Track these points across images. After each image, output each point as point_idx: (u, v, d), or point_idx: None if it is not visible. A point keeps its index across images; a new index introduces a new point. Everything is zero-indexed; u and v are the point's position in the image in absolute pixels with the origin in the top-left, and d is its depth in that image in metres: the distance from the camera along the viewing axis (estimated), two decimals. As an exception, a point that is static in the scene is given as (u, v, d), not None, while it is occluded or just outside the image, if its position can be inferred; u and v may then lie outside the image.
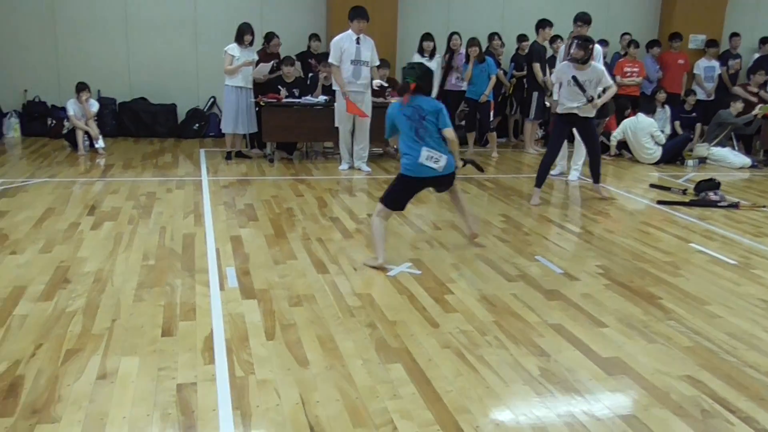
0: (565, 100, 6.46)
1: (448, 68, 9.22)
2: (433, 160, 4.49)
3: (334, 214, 5.88)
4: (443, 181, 4.72)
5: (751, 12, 11.90)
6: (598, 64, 6.49)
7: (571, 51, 6.33)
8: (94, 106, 8.75)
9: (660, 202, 6.69)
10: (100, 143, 8.56)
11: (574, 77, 6.29)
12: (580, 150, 7.62)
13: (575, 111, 6.44)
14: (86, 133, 8.56)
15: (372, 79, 7.92)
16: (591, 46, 6.30)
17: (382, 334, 3.41)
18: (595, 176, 6.79)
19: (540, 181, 6.60)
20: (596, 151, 6.74)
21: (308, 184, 7.10)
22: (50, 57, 9.85)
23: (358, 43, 7.56)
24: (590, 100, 6.31)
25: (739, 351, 3.39)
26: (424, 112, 4.47)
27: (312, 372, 2.97)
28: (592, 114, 6.53)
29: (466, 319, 3.66)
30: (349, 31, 7.58)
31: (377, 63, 7.89)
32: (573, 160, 7.83)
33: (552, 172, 7.97)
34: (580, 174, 7.76)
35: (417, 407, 2.72)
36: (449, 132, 4.51)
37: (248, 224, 5.43)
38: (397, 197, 4.65)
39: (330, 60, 7.62)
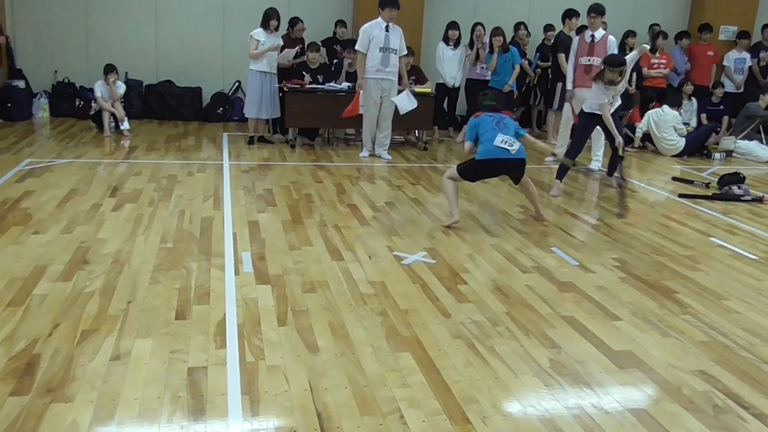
0: (594, 101, 6.37)
1: (475, 59, 9.15)
2: (507, 143, 5.06)
3: (353, 201, 5.89)
4: (516, 165, 5.17)
5: (786, 2, 11.63)
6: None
7: (605, 74, 6.13)
8: (121, 88, 8.85)
9: (681, 195, 6.60)
10: (125, 125, 8.66)
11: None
12: (600, 140, 7.56)
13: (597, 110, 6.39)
14: (112, 114, 8.66)
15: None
16: (623, 70, 6.15)
17: (394, 323, 3.43)
18: (612, 170, 6.73)
19: (561, 174, 6.54)
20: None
21: (328, 170, 7.12)
22: (80, 39, 9.97)
23: (387, 30, 7.53)
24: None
25: (756, 347, 3.36)
26: (505, 119, 5.25)
27: (322, 359, 2.99)
28: (617, 106, 6.50)
29: (479, 309, 3.66)
30: (379, 19, 7.56)
31: (405, 52, 7.85)
32: (592, 151, 7.76)
33: (547, 159, 8.11)
34: (602, 164, 7.68)
35: (425, 396, 2.73)
36: (529, 138, 5.39)
37: (266, 209, 5.47)
38: (473, 173, 5.32)
39: (357, 47, 7.61)
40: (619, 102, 6.55)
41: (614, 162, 6.58)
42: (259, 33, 7.91)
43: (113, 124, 8.69)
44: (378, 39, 7.49)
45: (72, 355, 2.90)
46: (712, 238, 5.24)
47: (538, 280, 4.15)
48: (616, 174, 6.57)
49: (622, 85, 6.37)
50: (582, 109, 6.55)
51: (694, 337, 3.44)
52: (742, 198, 6.50)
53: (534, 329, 3.43)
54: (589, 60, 7.58)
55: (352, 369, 2.92)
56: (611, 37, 7.61)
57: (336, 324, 3.37)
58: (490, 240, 4.94)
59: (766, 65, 10.88)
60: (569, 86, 7.81)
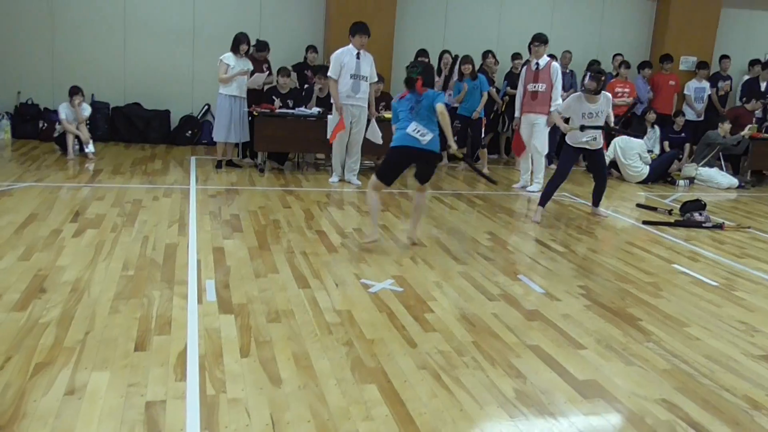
0: (573, 137, 6.51)
1: (444, 87, 9.25)
2: (419, 133, 4.95)
3: (321, 227, 5.86)
4: (426, 159, 5.06)
5: (742, 34, 12.00)
6: (608, 93, 6.54)
7: (585, 82, 6.40)
8: (86, 111, 8.73)
9: (645, 222, 6.70)
10: (90, 148, 8.53)
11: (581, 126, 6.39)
12: (540, 163, 7.96)
13: (585, 146, 6.54)
14: (77, 137, 8.53)
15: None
16: (604, 78, 6.36)
17: (359, 353, 3.39)
18: (597, 201, 6.95)
19: (544, 200, 6.63)
20: (603, 181, 6.86)
21: (297, 195, 7.09)
22: (46, 59, 9.84)
23: (358, 57, 7.59)
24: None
25: (716, 374, 3.39)
26: (422, 98, 5.01)
27: (285, 391, 2.94)
28: (600, 145, 6.64)
29: (445, 339, 3.64)
30: (350, 46, 7.62)
31: (375, 79, 7.91)
32: (534, 174, 8.07)
33: (515, 186, 8.21)
34: (542, 186, 7.78)
35: (389, 429, 2.70)
36: (440, 106, 4.93)
37: (233, 235, 5.41)
38: (385, 169, 5.20)
39: (329, 74, 7.64)
40: (601, 142, 6.65)
41: (599, 195, 6.84)
42: (229, 57, 7.90)
43: (78, 146, 8.56)
44: (349, 66, 7.54)
45: (24, 389, 2.80)
46: (674, 265, 5.31)
47: (505, 309, 4.15)
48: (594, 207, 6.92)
49: (599, 111, 6.38)
50: (566, 142, 6.66)
51: (657, 365, 3.46)
52: (704, 225, 6.63)
53: (500, 359, 3.42)
54: (534, 86, 7.88)
55: (316, 402, 2.87)
56: (555, 64, 7.97)
57: (300, 355, 3.32)
58: (457, 267, 4.95)
59: (725, 94, 11.20)
60: (517, 113, 8.13)
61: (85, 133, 8.56)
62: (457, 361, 3.36)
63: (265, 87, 8.55)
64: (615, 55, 10.80)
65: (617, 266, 5.20)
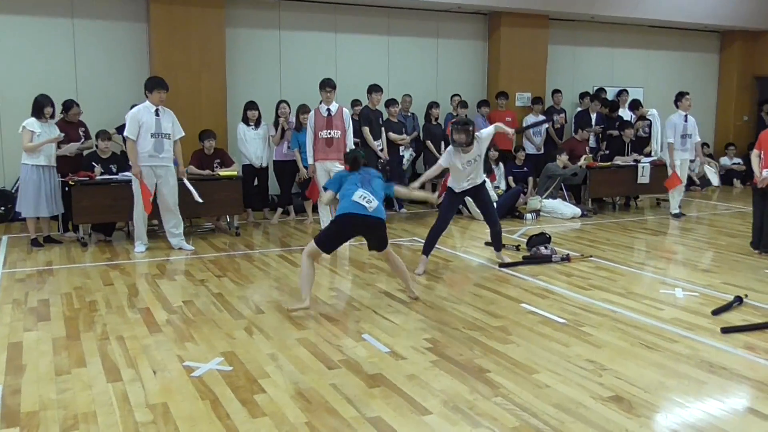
0: (456, 182, 6.26)
1: (280, 138, 8.83)
2: (365, 200, 4.87)
3: (145, 303, 5.22)
4: (372, 224, 4.93)
5: (569, 70, 12.68)
6: (479, 133, 6.22)
7: (453, 137, 6.06)
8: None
9: (502, 266, 6.47)
10: None
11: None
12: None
13: (468, 186, 6.28)
14: None
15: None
16: (471, 129, 6.06)
17: (167, 459, 2.85)
18: (498, 245, 6.61)
19: (428, 248, 6.29)
20: (495, 219, 6.50)
21: (123, 269, 6.37)
22: None
23: (157, 115, 6.93)
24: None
25: (566, 425, 3.17)
26: (371, 176, 5.12)
27: None
28: (482, 179, 6.39)
29: (275, 424, 3.18)
30: (147, 103, 6.94)
31: (181, 135, 7.19)
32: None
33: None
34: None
35: None
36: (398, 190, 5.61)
37: (36, 326, 4.66)
38: (327, 237, 5.01)
39: (126, 134, 6.90)
40: (483, 178, 6.40)
41: (497, 237, 6.56)
42: (32, 123, 7.08)
43: None
44: (148, 124, 6.87)
45: None
46: (523, 304, 5.17)
47: (345, 377, 3.76)
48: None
49: (477, 156, 6.14)
50: (448, 186, 6.41)
51: (506, 423, 3.19)
52: (552, 258, 6.63)
53: (335, 441, 3.01)
54: (329, 133, 7.68)
55: None
56: (345, 110, 7.90)
57: (90, 474, 2.73)
58: (296, 334, 4.51)
59: (561, 127, 11.71)
60: (310, 160, 7.87)
61: None
62: (284, 453, 2.91)
63: (85, 152, 7.78)
64: (453, 96, 10.98)
65: (466, 312, 4.98)
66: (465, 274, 6.27)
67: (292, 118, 8.90)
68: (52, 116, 7.29)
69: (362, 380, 3.70)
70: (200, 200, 7.30)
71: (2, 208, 9.06)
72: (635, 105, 11.75)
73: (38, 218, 7.32)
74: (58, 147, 7.44)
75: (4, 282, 5.88)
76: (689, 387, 3.64)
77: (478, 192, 6.41)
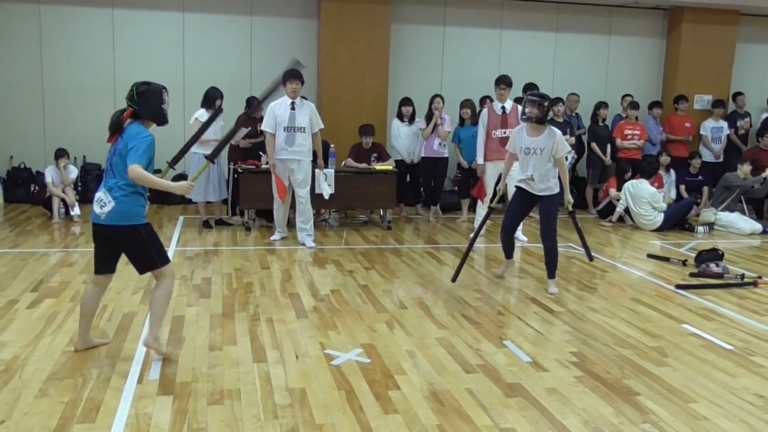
0: (516, 170, 5.73)
1: (431, 132, 8.75)
2: (100, 203, 3.65)
3: (296, 289, 5.43)
4: (113, 236, 3.69)
5: (760, 70, 11.51)
6: (555, 130, 5.39)
7: (526, 110, 5.35)
8: (72, 173, 8.51)
9: (679, 287, 5.73)
10: (75, 211, 8.28)
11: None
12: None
13: (526, 187, 5.50)
14: (62, 200, 8.29)
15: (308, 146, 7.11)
16: (547, 103, 5.30)
17: (298, 445, 2.91)
18: (551, 271, 5.58)
19: (508, 251, 5.84)
20: (547, 233, 5.51)
21: (279, 254, 6.69)
22: (37, 123, 9.71)
23: (293, 108, 6.97)
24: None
25: (725, 466, 2.84)
26: (119, 144, 3.66)
27: (194, 499, 2.48)
28: (548, 193, 5.46)
29: (406, 423, 3.15)
30: (285, 96, 6.98)
31: (320, 127, 7.15)
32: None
33: None
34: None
35: None
36: (132, 170, 3.60)
37: (198, 302, 5.00)
38: (94, 255, 3.87)
39: (263, 127, 7.06)
40: (552, 191, 5.49)
41: (551, 263, 5.57)
42: (202, 114, 7.60)
43: (63, 210, 8.31)
44: (282, 118, 6.93)
45: None
46: (684, 325, 4.74)
47: (482, 382, 3.65)
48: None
49: (541, 148, 5.34)
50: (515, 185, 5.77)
51: (653, 454, 2.93)
52: (725, 277, 6.01)
53: (464, 449, 2.92)
54: (504, 132, 7.32)
55: None
56: (521, 107, 7.38)
57: (228, 449, 2.86)
58: (436, 332, 4.46)
59: (746, 133, 10.66)
60: (480, 161, 7.63)
61: (70, 196, 8.32)
62: (412, 454, 2.87)
63: (251, 144, 8.24)
64: (624, 96, 10.36)
65: (618, 327, 4.66)
66: (621, 287, 5.87)
67: (446, 116, 8.77)
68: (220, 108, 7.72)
69: (499, 388, 3.57)
70: (327, 197, 7.43)
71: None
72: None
73: (208, 202, 7.87)
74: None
75: (176, 259, 6.37)
76: None
77: (543, 202, 5.51)
